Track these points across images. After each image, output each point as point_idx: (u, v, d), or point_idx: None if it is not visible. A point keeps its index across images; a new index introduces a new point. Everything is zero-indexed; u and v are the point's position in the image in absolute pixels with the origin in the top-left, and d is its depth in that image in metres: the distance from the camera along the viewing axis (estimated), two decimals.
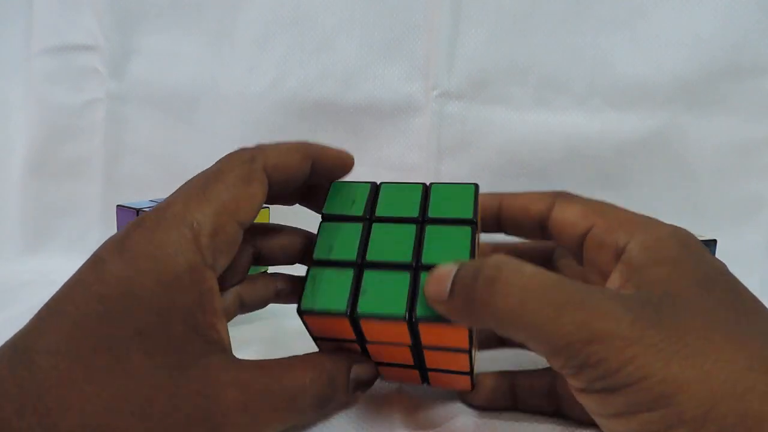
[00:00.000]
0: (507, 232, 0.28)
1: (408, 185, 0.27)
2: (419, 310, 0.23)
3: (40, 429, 0.18)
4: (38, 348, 0.20)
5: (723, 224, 0.47)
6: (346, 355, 0.25)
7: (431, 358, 0.26)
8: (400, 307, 0.23)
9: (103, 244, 0.22)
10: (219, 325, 0.22)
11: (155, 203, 0.43)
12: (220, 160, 0.25)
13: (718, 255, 0.36)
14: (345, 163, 0.28)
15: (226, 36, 0.51)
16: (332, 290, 0.24)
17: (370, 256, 0.25)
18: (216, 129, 0.52)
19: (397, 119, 0.50)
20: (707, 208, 0.48)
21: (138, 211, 0.41)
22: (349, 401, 0.26)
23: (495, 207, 0.27)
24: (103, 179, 0.54)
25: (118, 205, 0.43)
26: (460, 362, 0.26)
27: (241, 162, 0.24)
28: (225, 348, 0.23)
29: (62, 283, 0.47)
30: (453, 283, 0.21)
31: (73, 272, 0.52)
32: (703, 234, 0.37)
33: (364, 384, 0.25)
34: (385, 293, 0.23)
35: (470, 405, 0.28)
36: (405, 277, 0.24)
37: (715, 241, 0.36)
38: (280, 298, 0.29)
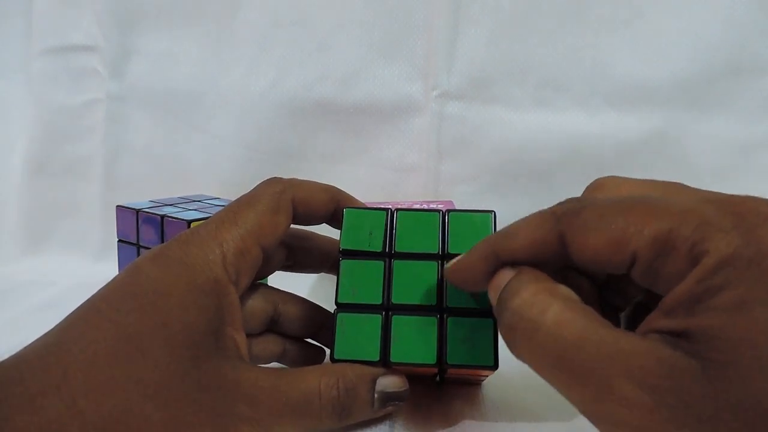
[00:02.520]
0: None
1: (425, 214, 0.27)
2: (449, 357, 0.24)
3: (63, 407, 0.20)
4: (68, 338, 0.21)
5: None
6: (372, 368, 0.25)
7: (454, 374, 0.27)
8: (431, 356, 0.24)
9: (144, 253, 0.24)
10: (237, 336, 0.23)
11: (155, 203, 0.43)
12: (255, 187, 0.27)
13: None
14: None
15: (225, 36, 0.51)
16: (363, 338, 0.24)
17: (396, 298, 0.25)
18: (216, 129, 0.52)
19: (397, 119, 0.50)
20: None
21: (138, 211, 0.41)
22: (376, 415, 0.25)
23: (488, 264, 0.22)
24: (102, 179, 0.54)
25: (117, 206, 0.43)
26: (483, 374, 0.27)
27: (272, 192, 0.26)
28: (241, 357, 0.23)
29: (62, 284, 0.47)
30: (498, 301, 0.20)
31: (73, 272, 0.52)
32: None
33: (394, 398, 0.24)
34: (414, 339, 0.24)
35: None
36: (432, 322, 0.25)
37: None
38: (286, 359, 0.30)
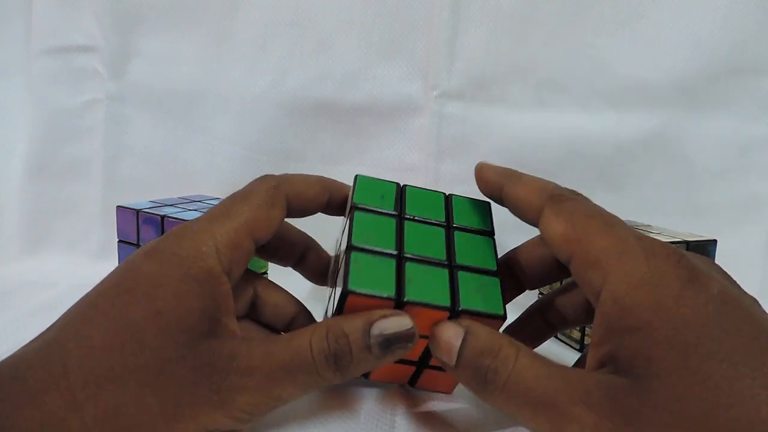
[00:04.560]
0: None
1: (431, 192, 0.29)
2: (463, 302, 0.24)
3: (63, 402, 0.20)
4: (66, 334, 0.22)
5: (723, 224, 0.47)
6: (367, 314, 0.24)
7: (426, 379, 0.27)
8: (446, 299, 0.24)
9: (138, 250, 0.25)
10: (232, 326, 0.24)
11: (155, 204, 0.43)
12: (249, 183, 0.27)
13: (718, 255, 0.36)
14: None
15: (225, 37, 0.51)
16: (378, 276, 0.24)
17: (408, 250, 0.25)
18: (215, 130, 0.52)
19: (397, 119, 0.50)
20: (707, 208, 0.48)
21: (138, 212, 0.41)
22: (383, 362, 0.23)
23: (497, 189, 0.27)
24: (102, 180, 0.54)
25: (118, 206, 0.43)
26: (454, 382, 0.28)
27: (266, 187, 0.26)
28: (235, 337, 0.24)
29: (62, 284, 0.47)
30: (459, 358, 0.23)
31: (74, 273, 0.52)
32: (703, 234, 0.37)
33: (397, 340, 0.23)
34: (428, 284, 0.24)
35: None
36: (444, 273, 0.25)
37: (715, 241, 0.36)
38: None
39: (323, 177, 0.29)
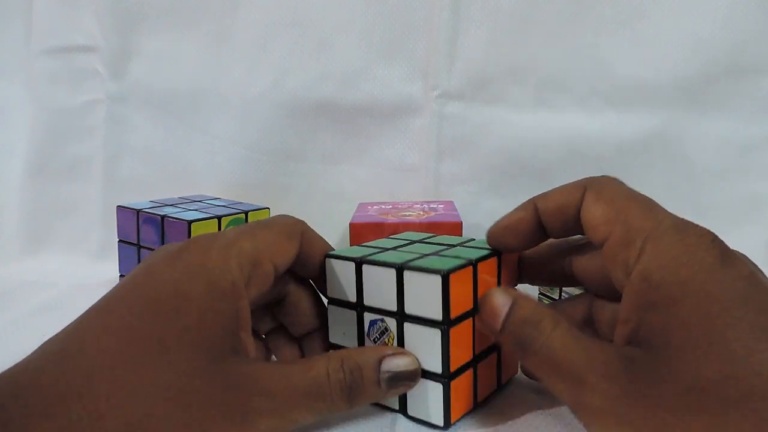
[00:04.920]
0: (555, 236, 0.27)
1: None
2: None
3: (85, 412, 0.20)
4: (86, 343, 0.22)
5: (723, 224, 0.47)
6: (378, 349, 0.26)
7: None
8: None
9: (156, 254, 0.25)
10: (247, 340, 0.24)
11: (156, 204, 0.43)
12: (271, 217, 0.28)
13: None
14: None
15: (225, 37, 0.51)
16: (451, 262, 0.26)
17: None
18: (216, 130, 0.52)
19: (397, 120, 0.50)
20: (707, 208, 0.48)
21: (138, 212, 0.41)
22: (388, 396, 0.25)
23: (530, 215, 0.26)
24: (103, 180, 0.54)
25: (118, 206, 0.43)
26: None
27: (287, 223, 0.27)
28: (253, 358, 0.24)
29: (62, 284, 0.47)
30: (504, 325, 0.24)
31: (74, 273, 0.52)
32: None
33: (402, 378, 0.25)
34: (468, 254, 0.28)
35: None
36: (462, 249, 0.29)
37: None
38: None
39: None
